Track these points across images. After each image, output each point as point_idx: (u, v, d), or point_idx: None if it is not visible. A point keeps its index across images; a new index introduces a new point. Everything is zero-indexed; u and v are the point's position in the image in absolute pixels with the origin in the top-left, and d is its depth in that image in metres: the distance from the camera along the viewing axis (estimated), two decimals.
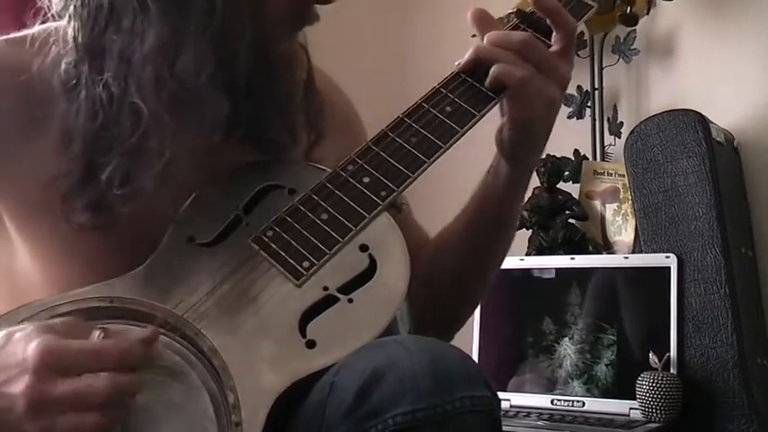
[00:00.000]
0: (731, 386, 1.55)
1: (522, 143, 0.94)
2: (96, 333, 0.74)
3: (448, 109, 0.90)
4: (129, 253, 0.86)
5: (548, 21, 0.94)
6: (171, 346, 0.78)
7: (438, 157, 0.88)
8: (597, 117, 1.92)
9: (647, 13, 1.77)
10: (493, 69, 0.90)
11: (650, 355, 1.56)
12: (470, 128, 0.90)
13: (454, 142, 0.89)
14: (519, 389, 1.73)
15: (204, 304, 0.81)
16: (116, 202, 0.84)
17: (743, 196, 1.75)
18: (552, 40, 0.94)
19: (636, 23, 1.82)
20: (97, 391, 0.69)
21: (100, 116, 0.84)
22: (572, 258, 1.75)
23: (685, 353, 1.59)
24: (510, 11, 0.99)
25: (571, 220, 1.86)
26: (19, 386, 0.69)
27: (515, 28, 0.97)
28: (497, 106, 0.93)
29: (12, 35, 0.92)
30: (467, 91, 0.92)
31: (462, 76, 0.93)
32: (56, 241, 0.89)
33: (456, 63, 0.93)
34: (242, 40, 0.86)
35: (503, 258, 1.05)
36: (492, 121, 0.94)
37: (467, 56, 0.92)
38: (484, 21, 0.94)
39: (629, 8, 1.75)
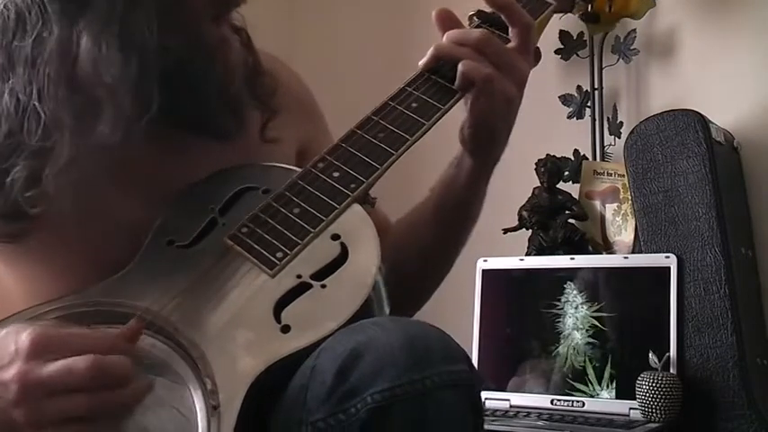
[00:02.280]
0: (731, 386, 1.55)
1: (482, 139, 0.97)
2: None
3: (414, 105, 0.94)
4: (93, 252, 0.88)
5: (502, 17, 0.96)
6: (149, 341, 0.80)
7: (405, 150, 0.91)
8: (597, 117, 1.91)
9: (609, 11, 1.78)
10: (460, 67, 0.93)
11: (650, 355, 1.56)
12: (436, 121, 0.93)
13: (421, 135, 0.92)
14: (519, 389, 1.73)
15: (182, 300, 0.83)
16: (24, 205, 0.84)
17: (743, 196, 1.74)
18: (510, 36, 0.97)
19: (598, 21, 1.84)
20: (84, 367, 0.70)
21: (4, 126, 0.85)
22: (572, 258, 1.75)
23: (685, 353, 1.58)
24: (471, 12, 1.03)
25: (571, 220, 1.86)
26: (10, 372, 0.70)
27: (477, 28, 1.00)
28: (462, 101, 0.96)
29: None
30: (431, 87, 0.95)
31: (426, 74, 0.96)
32: (18, 253, 0.90)
33: (420, 63, 0.97)
34: (148, 31, 0.85)
35: (463, 243, 1.08)
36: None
37: (427, 54, 0.96)
38: (447, 20, 0.97)
39: (589, 6, 1.77)
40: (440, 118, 0.93)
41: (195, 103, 0.90)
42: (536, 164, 1.87)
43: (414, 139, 0.91)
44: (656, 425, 1.52)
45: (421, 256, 1.05)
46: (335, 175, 0.90)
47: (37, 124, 0.84)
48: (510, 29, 0.96)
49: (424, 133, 0.92)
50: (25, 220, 0.85)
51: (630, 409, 1.57)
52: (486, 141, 0.98)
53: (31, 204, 0.84)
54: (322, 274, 0.83)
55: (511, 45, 0.96)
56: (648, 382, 1.52)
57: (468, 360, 0.76)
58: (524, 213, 1.87)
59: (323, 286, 0.82)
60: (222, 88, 0.92)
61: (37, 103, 0.83)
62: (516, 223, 1.89)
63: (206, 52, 0.90)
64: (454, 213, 1.04)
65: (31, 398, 0.70)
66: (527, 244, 1.89)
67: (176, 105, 0.89)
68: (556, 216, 1.86)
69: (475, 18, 1.02)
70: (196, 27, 0.90)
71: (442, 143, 1.01)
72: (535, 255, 1.85)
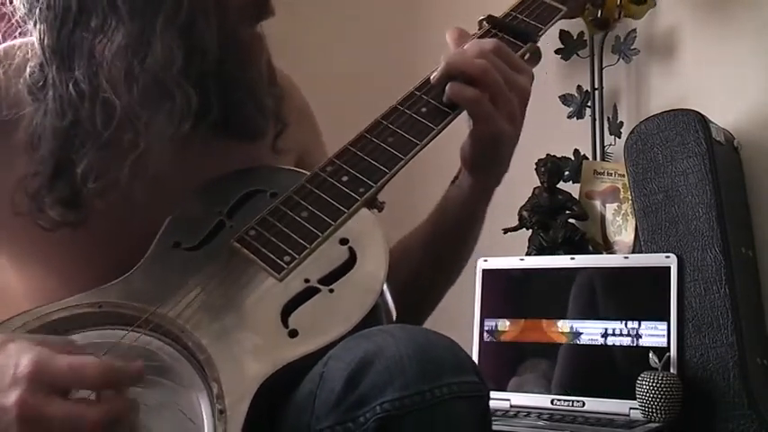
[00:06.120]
0: (731, 386, 1.55)
1: (484, 158, 0.96)
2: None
3: (423, 110, 0.93)
4: (105, 251, 0.88)
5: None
6: (155, 344, 0.80)
7: (414, 155, 0.91)
8: (597, 117, 1.92)
9: (618, 18, 1.79)
10: (447, 88, 0.93)
11: (650, 355, 1.56)
12: (445, 126, 0.92)
13: (430, 140, 0.91)
14: (519, 389, 1.73)
15: (190, 303, 0.83)
16: (90, 195, 0.85)
17: (743, 196, 1.74)
18: None
19: (607, 27, 1.84)
20: (90, 419, 0.68)
21: (69, 114, 0.86)
22: (572, 258, 1.75)
23: (685, 353, 1.58)
24: (481, 17, 1.02)
25: (571, 220, 1.86)
26: (11, 397, 0.68)
27: (486, 33, 1.00)
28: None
29: None
30: (441, 92, 0.94)
31: None
32: (29, 250, 0.90)
33: (432, 77, 0.95)
34: (208, 31, 0.88)
35: (458, 269, 1.06)
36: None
37: (439, 69, 0.95)
38: (460, 38, 0.97)
39: (599, 12, 1.77)
40: (449, 122, 0.93)
41: (226, 100, 0.90)
42: (536, 164, 1.87)
43: (423, 144, 0.91)
44: (657, 425, 1.51)
45: (413, 278, 1.03)
46: (344, 179, 0.89)
47: (110, 116, 0.84)
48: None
49: (433, 138, 0.91)
50: (85, 208, 0.86)
51: (630, 409, 1.57)
52: (488, 160, 0.97)
53: (99, 194, 0.85)
54: (330, 278, 0.83)
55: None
56: (648, 382, 1.52)
57: (477, 370, 0.75)
58: (524, 213, 1.87)
59: (331, 291, 0.82)
60: (253, 87, 0.93)
61: (110, 95, 0.84)
62: (516, 223, 1.89)
63: (242, 53, 0.91)
64: (450, 235, 1.02)
65: (30, 426, 0.68)
66: (527, 244, 1.89)
67: (207, 101, 0.89)
68: (556, 216, 1.86)
69: (485, 23, 1.01)
70: (235, 30, 0.91)
71: (448, 150, 1.00)
72: (535, 255, 1.85)
